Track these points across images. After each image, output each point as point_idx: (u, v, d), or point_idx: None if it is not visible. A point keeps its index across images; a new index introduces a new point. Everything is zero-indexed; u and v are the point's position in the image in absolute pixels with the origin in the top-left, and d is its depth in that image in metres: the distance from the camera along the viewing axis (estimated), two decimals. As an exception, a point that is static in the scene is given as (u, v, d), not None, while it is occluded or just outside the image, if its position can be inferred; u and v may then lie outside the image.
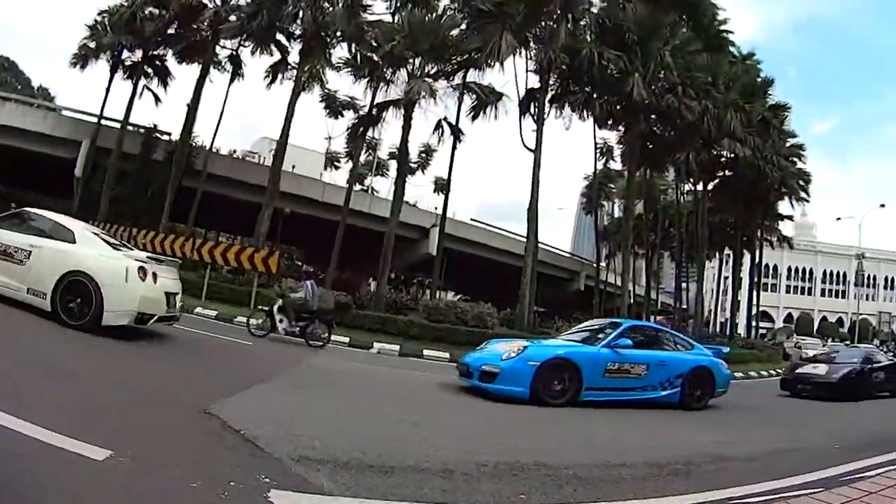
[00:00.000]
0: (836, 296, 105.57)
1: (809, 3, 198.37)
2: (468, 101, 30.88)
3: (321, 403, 8.05)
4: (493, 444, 6.47)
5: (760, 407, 15.00)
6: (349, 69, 29.43)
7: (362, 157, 46.14)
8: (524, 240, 33.41)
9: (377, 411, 8.10)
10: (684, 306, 51.58)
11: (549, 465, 5.49)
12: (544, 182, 28.71)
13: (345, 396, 9.08)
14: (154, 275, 9.39)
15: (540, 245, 35.14)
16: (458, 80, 30.06)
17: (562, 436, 8.26)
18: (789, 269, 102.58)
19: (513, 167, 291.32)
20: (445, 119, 30.70)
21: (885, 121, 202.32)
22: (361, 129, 31.87)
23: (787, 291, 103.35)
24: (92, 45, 33.03)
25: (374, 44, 27.77)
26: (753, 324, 53.13)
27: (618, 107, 31.58)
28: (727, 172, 42.21)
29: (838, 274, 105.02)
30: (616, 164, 45.65)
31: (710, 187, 42.19)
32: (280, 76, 31.28)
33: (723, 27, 37.30)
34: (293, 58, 30.17)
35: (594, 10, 29.95)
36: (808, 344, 46.84)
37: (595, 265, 44.69)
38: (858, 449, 7.98)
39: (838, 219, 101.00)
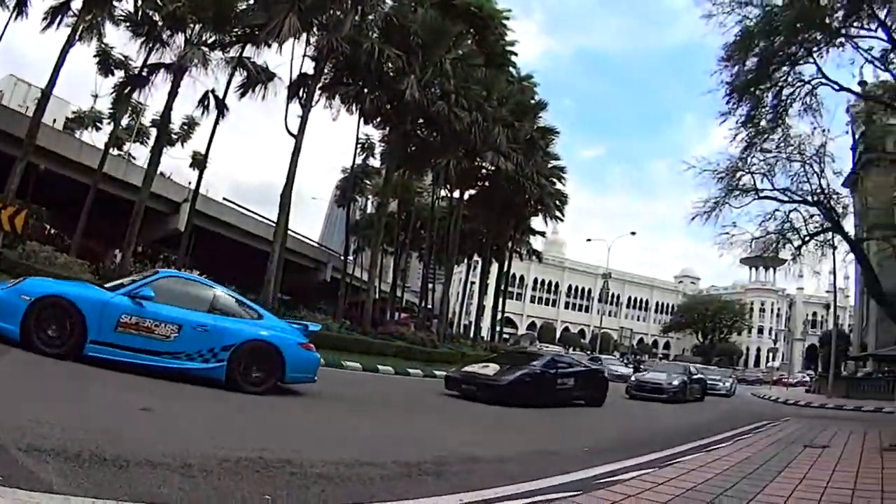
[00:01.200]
0: (580, 309, 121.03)
1: (595, 40, 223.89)
2: (238, 77, 31.39)
3: (49, 387, 7.62)
4: (237, 437, 6.59)
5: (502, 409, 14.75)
6: (128, 24, 28.99)
7: (125, 121, 45.53)
8: (275, 225, 35.93)
9: (114, 397, 7.80)
10: (429, 306, 55.98)
11: (296, 462, 5.51)
12: (303, 170, 30.30)
13: (76, 379, 8.34)
14: None
15: (290, 232, 36.42)
16: (233, 53, 30.58)
17: (310, 429, 8.41)
18: (536, 281, 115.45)
19: (272, 151, 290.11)
20: (213, 92, 31.25)
21: (644, 159, 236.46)
22: (129, 89, 31.57)
23: (533, 301, 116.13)
24: None
25: (160, 3, 27.70)
26: (497, 329, 59.54)
27: (388, 105, 33.57)
28: (486, 183, 46.28)
29: (583, 289, 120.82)
30: (375, 162, 48.47)
31: (467, 195, 45.58)
32: (58, 21, 28.87)
33: (508, 47, 41.37)
34: (76, 4, 28.31)
35: (385, 6, 31.51)
36: (549, 351, 53.67)
37: (343, 258, 46.73)
38: (604, 452, 8.87)
39: (589, 240, 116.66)
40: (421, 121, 35.48)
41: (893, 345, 41.15)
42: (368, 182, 50.64)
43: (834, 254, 36.99)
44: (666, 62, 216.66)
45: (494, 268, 56.37)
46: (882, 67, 27.83)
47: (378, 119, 36.77)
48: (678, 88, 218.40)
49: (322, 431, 8.40)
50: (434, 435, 9.60)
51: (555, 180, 50.76)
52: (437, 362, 28.96)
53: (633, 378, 28.01)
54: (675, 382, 24.79)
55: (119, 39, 34.39)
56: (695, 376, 28.22)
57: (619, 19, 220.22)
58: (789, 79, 29.40)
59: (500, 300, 56.93)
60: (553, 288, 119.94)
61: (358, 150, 43.17)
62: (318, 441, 7.38)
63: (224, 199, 41.17)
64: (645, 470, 6.94)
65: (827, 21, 26.18)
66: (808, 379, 63.90)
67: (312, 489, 4.83)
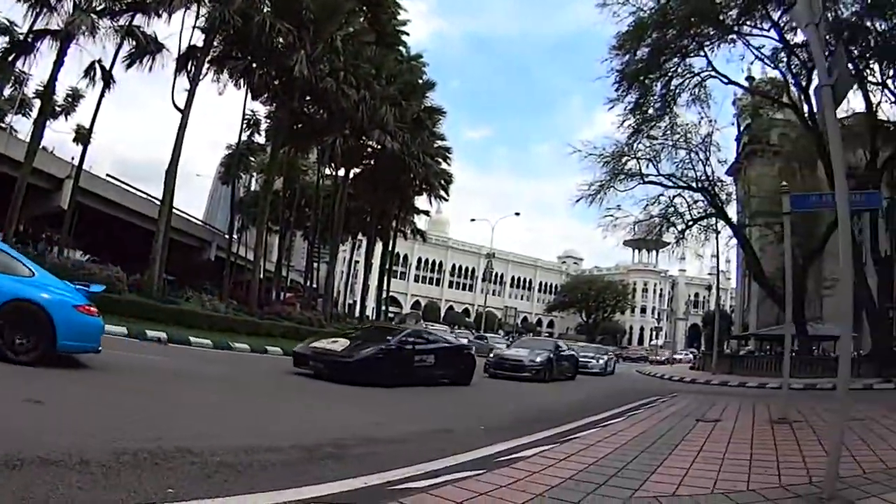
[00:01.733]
0: (465, 288, 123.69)
1: (485, 23, 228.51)
2: (127, 47, 30.57)
3: None
4: (131, 426, 6.36)
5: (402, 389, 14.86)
6: (15, -14, 27.71)
7: (7, 91, 43.51)
8: (158, 202, 35.09)
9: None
10: (314, 285, 56.55)
11: (194, 450, 5.44)
12: (187, 146, 29.90)
13: None
14: None
15: (175, 211, 36.19)
16: (123, 21, 29.62)
17: (203, 414, 8.18)
18: (420, 260, 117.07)
19: (158, 126, 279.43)
20: (100, 62, 30.56)
21: (529, 141, 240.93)
22: (12, 56, 30.56)
23: (417, 280, 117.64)
24: None
25: (48, -35, 26.97)
26: (383, 308, 60.40)
27: (277, 81, 33.72)
28: (372, 162, 47.05)
29: (467, 269, 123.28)
30: (261, 139, 48.61)
31: (353, 174, 46.47)
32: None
33: (400, 27, 42.30)
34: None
35: (279, -22, 31.22)
36: (436, 330, 54.76)
37: (228, 236, 47.06)
38: (501, 430, 9.06)
39: (473, 220, 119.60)
40: (309, 98, 35.57)
41: (774, 324, 44.26)
42: (253, 159, 50.39)
43: (717, 238, 39.19)
44: (553, 47, 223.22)
45: (379, 247, 57.04)
46: (772, 65, 29.85)
47: (266, 95, 36.69)
48: (564, 73, 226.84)
49: (217, 416, 8.20)
50: (332, 416, 9.70)
51: (440, 160, 51.85)
52: (323, 341, 29.27)
53: (492, 354, 25.59)
54: (539, 359, 22.84)
55: (3, 2, 32.78)
56: (563, 353, 26.43)
57: (510, 2, 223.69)
58: (679, 70, 31.05)
59: (386, 279, 57.86)
60: (437, 267, 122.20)
61: (244, 127, 43.41)
62: (214, 426, 7.27)
63: (108, 175, 39.81)
64: (545, 446, 7.24)
65: (721, 18, 27.79)
66: (691, 356, 67.08)
67: (215, 478, 4.80)
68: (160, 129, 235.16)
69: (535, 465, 5.93)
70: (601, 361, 34.95)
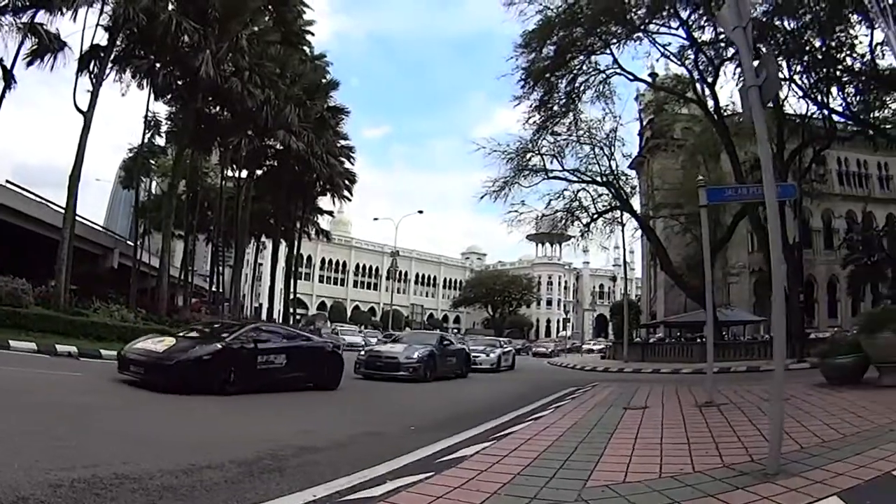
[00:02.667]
0: (369, 287, 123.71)
1: (384, 22, 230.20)
2: (27, 45, 28.85)
3: None
4: (59, 453, 5.86)
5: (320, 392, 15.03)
6: None
7: None
8: (61, 210, 33.68)
9: None
10: (220, 290, 55.79)
11: (132, 476, 5.23)
12: (87, 150, 28.53)
13: None
14: None
15: (78, 218, 33.81)
16: (26, 18, 28.04)
17: (126, 434, 7.60)
18: (324, 261, 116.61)
19: (55, 129, 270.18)
20: (1, 61, 28.56)
21: (428, 138, 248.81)
22: None
23: (322, 281, 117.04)
24: None
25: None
26: (291, 309, 59.91)
27: (181, 81, 33.15)
28: (275, 163, 46.83)
29: (371, 268, 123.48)
30: (161, 140, 47.82)
31: (256, 175, 46.39)
32: None
33: (305, 26, 42.30)
34: None
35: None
36: (345, 330, 54.76)
37: (133, 243, 45.96)
38: (429, 430, 9.13)
39: (376, 219, 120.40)
40: (213, 98, 35.13)
41: (682, 312, 45.81)
42: (154, 162, 48.96)
43: (623, 230, 40.22)
44: (451, 45, 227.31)
45: (283, 248, 57.05)
46: (678, 62, 30.85)
47: (170, 95, 35.96)
48: (462, 71, 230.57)
49: (140, 435, 7.62)
50: (252, 424, 9.48)
51: (344, 160, 51.92)
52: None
53: (362, 352, 22.65)
54: (417, 355, 20.28)
55: None
56: (450, 347, 23.82)
57: (409, 1, 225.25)
58: (585, 67, 31.84)
59: (292, 281, 57.53)
60: (342, 267, 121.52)
61: (146, 129, 42.80)
62: (143, 447, 6.70)
63: (8, 181, 38.09)
64: (482, 444, 7.31)
65: (628, 17, 28.65)
66: (599, 346, 68.57)
67: (160, 504, 4.70)
68: (57, 131, 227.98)
69: (480, 464, 6.00)
70: (492, 356, 30.48)
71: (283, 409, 11.70)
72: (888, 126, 30.62)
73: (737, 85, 30.85)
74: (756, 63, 6.41)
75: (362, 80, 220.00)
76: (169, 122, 44.98)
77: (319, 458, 6.79)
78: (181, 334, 14.77)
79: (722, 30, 28.26)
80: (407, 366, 19.88)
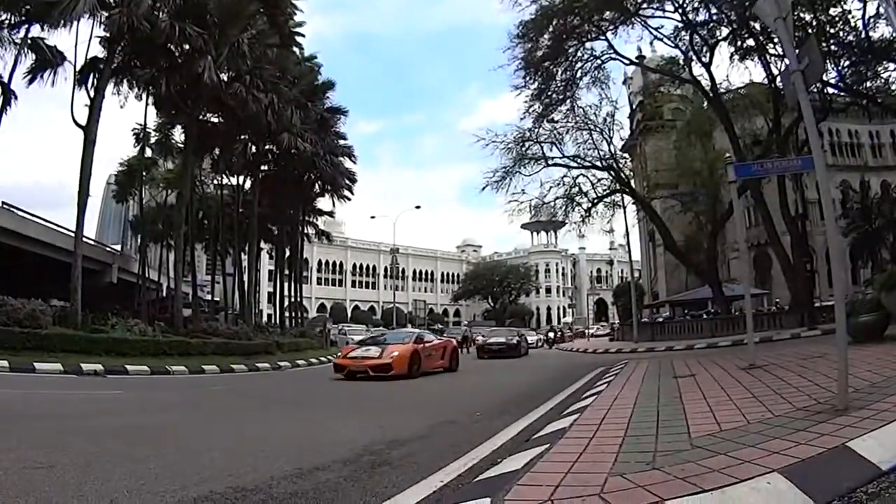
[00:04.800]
0: (367, 286, 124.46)
1: (363, 23, 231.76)
2: (26, 60, 29.10)
3: None
4: (157, 473, 5.55)
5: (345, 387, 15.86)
6: None
7: None
8: (59, 229, 33.79)
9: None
10: (216, 299, 56.71)
11: (249, 487, 5.05)
12: (71, 166, 28.32)
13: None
14: None
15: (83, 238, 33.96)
16: (23, 33, 28.32)
17: (208, 447, 7.10)
18: (320, 263, 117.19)
19: (42, 146, 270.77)
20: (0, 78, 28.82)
21: (414, 134, 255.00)
22: None
23: (320, 283, 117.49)
24: None
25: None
26: (298, 313, 60.37)
27: (184, 89, 32.27)
28: (275, 167, 47.21)
29: (368, 267, 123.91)
30: (149, 152, 47.63)
31: (258, 180, 46.08)
32: None
33: (296, 28, 42.45)
34: None
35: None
36: (352, 330, 55.54)
37: (138, 257, 46.74)
38: (494, 415, 9.28)
39: (373, 217, 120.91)
40: (214, 105, 35.28)
41: (685, 290, 46.69)
42: (146, 174, 49.28)
43: (625, 212, 40.97)
44: (430, 41, 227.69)
45: (277, 251, 57.13)
46: (672, 44, 31.67)
47: (171, 105, 35.57)
48: (440, 66, 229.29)
49: (223, 448, 7.17)
50: (327, 427, 9.15)
51: (346, 159, 52.32)
52: (255, 354, 29.40)
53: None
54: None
55: None
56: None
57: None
58: (580, 54, 32.53)
59: (298, 285, 57.86)
60: (338, 268, 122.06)
61: (145, 141, 43.73)
62: (234, 459, 6.31)
63: (4, 203, 38.24)
64: (563, 420, 7.52)
65: (624, 3, 29.45)
66: (604, 331, 69.36)
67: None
68: (47, 150, 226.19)
69: (584, 433, 6.28)
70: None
71: (329, 412, 11.38)
72: (881, 96, 31.36)
73: (730, 63, 31.80)
74: (798, 50, 7.20)
75: (348, 77, 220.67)
76: (159, 134, 45.35)
77: (413, 448, 6.77)
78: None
79: (716, 11, 29.33)
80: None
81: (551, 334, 37.63)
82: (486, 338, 36.06)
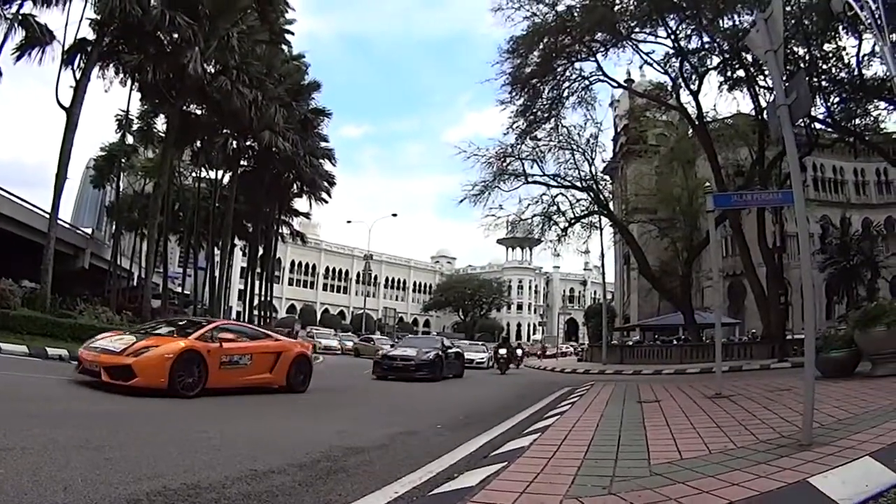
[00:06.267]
0: (339, 291, 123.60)
1: (358, 25, 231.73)
2: (15, 37, 28.26)
3: None
4: (112, 465, 5.48)
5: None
6: None
7: None
8: (34, 209, 33.16)
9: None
10: (187, 292, 55.95)
11: (203, 485, 5.02)
12: (49, 148, 28.07)
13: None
14: None
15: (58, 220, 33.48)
16: (15, 8, 27.59)
17: (166, 440, 7.16)
18: (293, 263, 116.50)
19: (23, 125, 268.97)
20: None
21: (398, 141, 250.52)
22: None
23: (291, 284, 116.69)
24: None
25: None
26: (268, 313, 60.20)
27: (169, 78, 32.18)
28: (253, 164, 47.17)
29: (341, 271, 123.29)
30: (130, 139, 47.46)
31: (234, 176, 46.07)
32: None
33: (286, 25, 42.45)
34: None
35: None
36: (321, 334, 55.07)
37: (112, 244, 46.38)
38: (456, 428, 9.37)
39: (349, 222, 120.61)
40: (198, 97, 35.07)
41: (657, 315, 46.87)
42: (125, 161, 48.89)
43: (601, 234, 41.14)
44: (421, 48, 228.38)
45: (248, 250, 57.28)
46: (661, 70, 31.85)
47: (156, 93, 35.16)
48: (430, 75, 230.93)
49: (179, 441, 7.13)
50: (289, 428, 9.26)
51: (325, 161, 52.33)
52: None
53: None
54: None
55: None
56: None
57: (373, 2, 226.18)
58: (569, 73, 32.72)
59: (269, 284, 57.76)
60: (311, 270, 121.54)
61: (125, 127, 43.66)
62: (190, 455, 6.26)
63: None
64: (523, 438, 7.58)
65: (618, 27, 29.61)
66: (571, 349, 69.51)
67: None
68: (30, 128, 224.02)
69: (543, 453, 6.35)
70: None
71: (302, 411, 11.60)
72: (869, 133, 31.63)
73: (720, 92, 32.01)
74: (786, 84, 7.19)
75: (336, 79, 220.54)
76: (141, 122, 45.26)
77: (370, 457, 6.80)
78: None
79: (708, 39, 29.54)
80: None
81: (502, 350, 31.33)
82: (387, 350, 25.68)
